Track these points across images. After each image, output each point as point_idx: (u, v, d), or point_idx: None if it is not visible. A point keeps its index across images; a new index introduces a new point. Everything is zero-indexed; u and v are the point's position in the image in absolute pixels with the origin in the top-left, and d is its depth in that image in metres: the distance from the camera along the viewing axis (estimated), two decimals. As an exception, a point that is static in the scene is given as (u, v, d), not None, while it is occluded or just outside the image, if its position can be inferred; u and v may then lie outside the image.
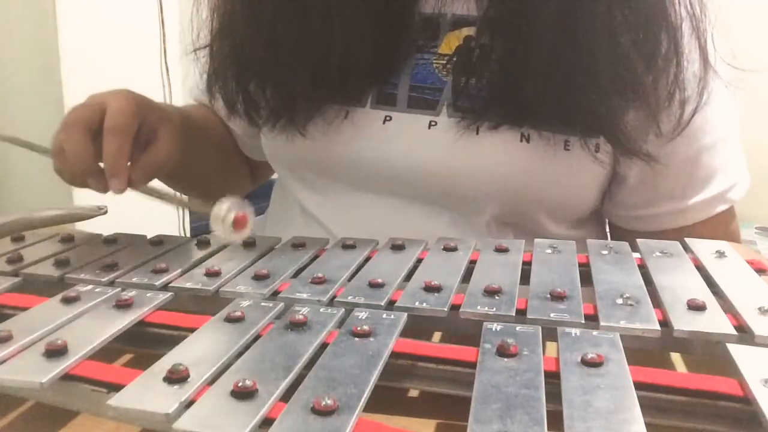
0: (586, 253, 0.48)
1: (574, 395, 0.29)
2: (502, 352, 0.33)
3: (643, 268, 0.45)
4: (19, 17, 1.51)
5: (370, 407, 0.29)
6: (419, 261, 0.48)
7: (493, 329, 0.36)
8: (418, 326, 0.39)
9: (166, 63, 1.74)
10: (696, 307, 0.38)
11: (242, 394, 0.29)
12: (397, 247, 0.51)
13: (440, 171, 0.59)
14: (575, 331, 0.35)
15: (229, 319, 0.38)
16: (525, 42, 0.55)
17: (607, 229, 0.70)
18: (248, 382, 0.29)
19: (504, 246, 0.49)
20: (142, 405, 0.29)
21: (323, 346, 0.35)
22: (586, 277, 0.44)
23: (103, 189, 0.54)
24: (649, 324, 0.36)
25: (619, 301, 0.39)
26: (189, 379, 0.31)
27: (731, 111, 0.62)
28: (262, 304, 0.40)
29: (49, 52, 1.53)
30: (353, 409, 0.28)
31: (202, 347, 0.35)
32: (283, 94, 0.62)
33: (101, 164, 0.53)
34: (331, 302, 0.41)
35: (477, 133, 0.58)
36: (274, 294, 0.43)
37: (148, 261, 0.50)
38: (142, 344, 0.39)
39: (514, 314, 0.38)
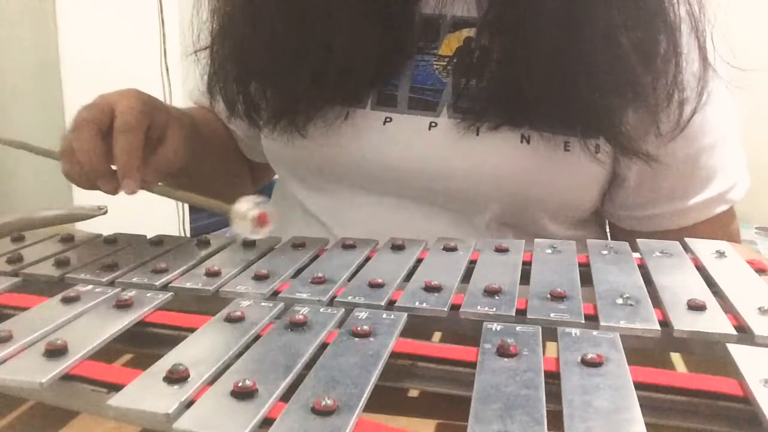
0: (586, 253, 0.48)
1: (574, 395, 0.29)
2: (502, 352, 0.33)
3: (643, 268, 0.45)
4: (19, 17, 1.51)
5: (370, 407, 0.29)
6: (419, 261, 0.48)
7: (493, 329, 0.36)
8: (418, 326, 0.39)
9: (166, 63, 1.74)
10: (696, 307, 0.38)
11: (242, 394, 0.29)
12: (397, 247, 0.51)
13: (440, 172, 0.59)
14: (575, 331, 0.35)
15: (229, 319, 0.38)
16: (525, 43, 0.55)
17: (607, 230, 0.70)
18: (248, 382, 0.29)
19: (504, 246, 0.49)
20: (142, 405, 0.29)
21: (323, 346, 0.35)
22: (586, 277, 0.43)
23: (113, 190, 0.54)
24: (649, 324, 0.36)
25: (619, 301, 0.39)
26: (189, 379, 0.31)
27: (731, 111, 0.62)
28: (262, 304, 0.40)
29: (49, 52, 1.53)
30: (353, 409, 0.28)
31: (202, 347, 0.35)
32: (283, 95, 0.62)
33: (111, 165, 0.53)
34: (331, 302, 0.41)
35: (477, 134, 0.58)
36: (274, 294, 0.43)
37: (148, 261, 0.50)
38: (142, 344, 0.39)
39: (514, 314, 0.38)
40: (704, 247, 0.49)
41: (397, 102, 0.61)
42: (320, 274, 0.44)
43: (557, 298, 0.40)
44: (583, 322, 0.37)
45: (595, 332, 0.35)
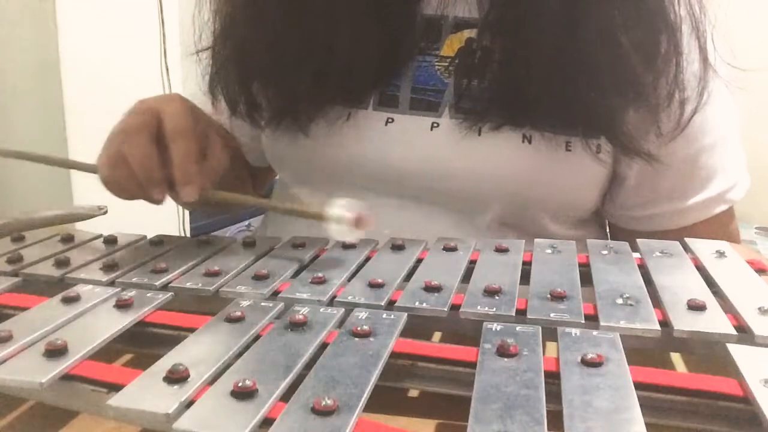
0: (586, 253, 0.48)
1: (574, 395, 0.29)
2: (502, 352, 0.33)
3: (643, 268, 0.45)
4: (19, 17, 1.51)
5: (370, 407, 0.29)
6: (419, 261, 0.48)
7: (493, 329, 0.36)
8: (418, 326, 0.39)
9: (166, 63, 1.74)
10: (696, 307, 0.38)
11: (242, 394, 0.29)
12: (397, 247, 0.51)
13: (442, 172, 0.59)
14: (575, 331, 0.35)
15: (229, 319, 0.38)
16: (526, 43, 0.55)
17: (607, 230, 0.70)
18: (248, 382, 0.29)
19: (504, 246, 0.49)
20: (142, 405, 0.29)
21: (323, 346, 0.35)
22: (586, 277, 0.43)
23: (162, 200, 0.52)
24: (649, 324, 0.36)
25: (619, 301, 0.39)
26: (189, 379, 0.31)
27: (731, 111, 0.62)
28: (262, 304, 0.40)
29: (49, 52, 1.53)
30: (353, 409, 0.28)
31: (202, 347, 0.35)
32: (285, 95, 0.62)
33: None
34: (331, 302, 0.41)
35: (479, 135, 0.58)
36: (274, 294, 0.43)
37: (148, 261, 0.50)
38: (142, 344, 0.39)
39: (514, 314, 0.38)
40: (704, 247, 0.49)
41: (399, 102, 0.61)
42: (320, 274, 0.44)
43: (557, 298, 0.40)
44: (583, 322, 0.37)
45: (595, 332, 0.35)
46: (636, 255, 0.48)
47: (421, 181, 0.60)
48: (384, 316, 0.38)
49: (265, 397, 0.29)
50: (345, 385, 0.30)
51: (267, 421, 0.28)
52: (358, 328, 0.35)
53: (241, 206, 0.54)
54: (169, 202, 0.54)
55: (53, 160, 0.61)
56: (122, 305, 0.40)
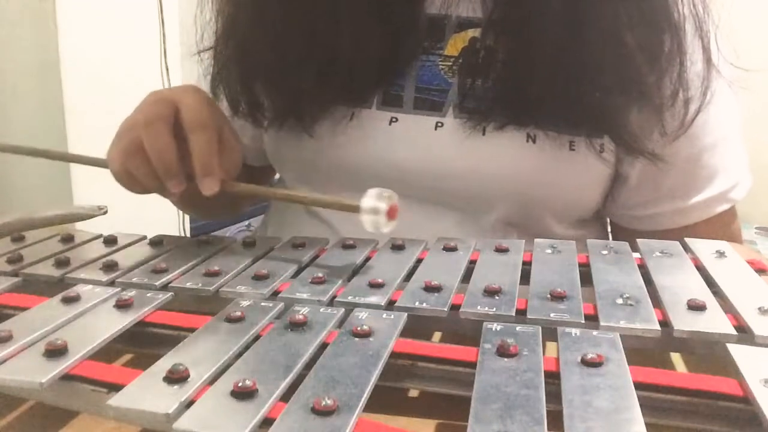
0: (586, 253, 0.48)
1: (574, 395, 0.29)
2: (502, 352, 0.33)
3: (643, 268, 0.45)
4: (19, 17, 1.51)
5: (370, 407, 0.29)
6: (419, 261, 0.48)
7: (493, 329, 0.36)
8: (418, 326, 0.39)
9: (166, 63, 1.74)
10: (696, 307, 0.38)
11: (242, 394, 0.29)
12: (397, 247, 0.51)
13: (447, 172, 0.59)
14: (575, 331, 0.35)
15: (229, 319, 0.38)
16: (530, 43, 0.55)
17: (609, 229, 0.70)
18: (248, 382, 0.29)
19: (504, 246, 0.49)
20: (142, 405, 0.29)
21: (323, 346, 0.35)
22: (586, 277, 0.43)
23: (179, 193, 0.51)
24: (649, 324, 0.36)
25: (619, 301, 0.39)
26: (189, 379, 0.31)
27: (734, 111, 0.62)
28: (262, 304, 0.40)
29: (49, 52, 1.53)
30: (353, 409, 0.28)
31: (202, 347, 0.35)
32: (288, 95, 0.62)
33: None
34: (331, 302, 0.41)
35: (483, 134, 0.58)
36: (274, 294, 0.43)
37: (148, 261, 0.50)
38: (142, 344, 0.39)
39: (514, 314, 0.38)
40: (704, 247, 0.49)
41: (403, 102, 0.61)
42: (320, 274, 0.44)
43: (557, 298, 0.40)
44: (583, 322, 0.37)
45: (595, 332, 0.35)
46: (636, 255, 0.48)
47: (425, 180, 0.60)
48: (384, 316, 0.38)
49: (265, 397, 0.29)
50: (345, 385, 0.30)
51: (267, 421, 0.28)
52: (358, 328, 0.35)
53: (262, 198, 0.52)
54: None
55: (54, 154, 0.60)
56: (122, 305, 0.40)
